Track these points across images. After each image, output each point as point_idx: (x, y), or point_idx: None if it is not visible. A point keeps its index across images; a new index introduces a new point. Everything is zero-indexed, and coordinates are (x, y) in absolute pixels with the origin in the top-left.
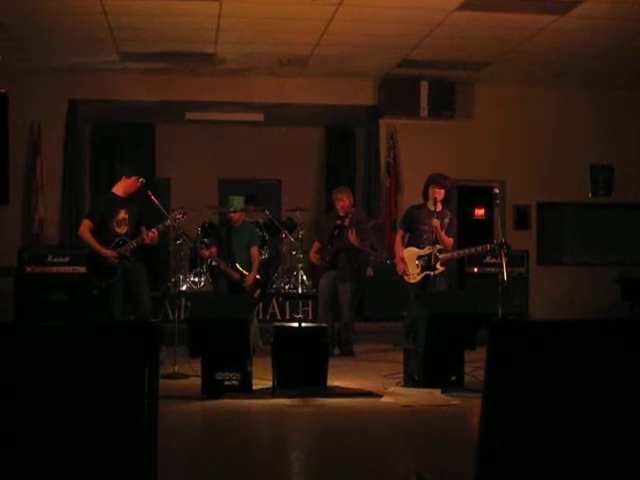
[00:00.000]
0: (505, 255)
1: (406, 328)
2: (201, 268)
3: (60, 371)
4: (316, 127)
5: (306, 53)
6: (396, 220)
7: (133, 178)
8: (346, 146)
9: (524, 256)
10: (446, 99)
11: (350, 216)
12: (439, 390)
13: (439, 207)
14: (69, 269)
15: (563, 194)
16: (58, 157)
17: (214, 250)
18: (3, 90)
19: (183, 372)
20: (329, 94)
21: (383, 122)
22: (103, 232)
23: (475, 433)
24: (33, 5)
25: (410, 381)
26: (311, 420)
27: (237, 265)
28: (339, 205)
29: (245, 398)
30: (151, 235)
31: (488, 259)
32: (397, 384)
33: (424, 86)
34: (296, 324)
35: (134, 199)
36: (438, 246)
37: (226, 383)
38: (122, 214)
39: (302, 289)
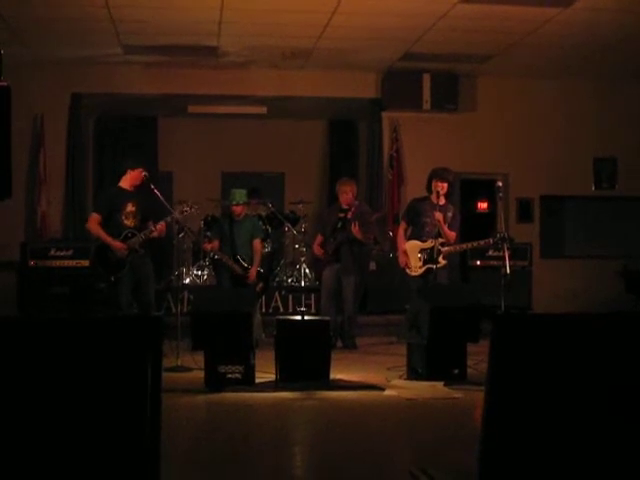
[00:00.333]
0: (507, 249)
1: (409, 321)
2: (204, 261)
3: (63, 364)
4: (319, 120)
5: (309, 46)
6: (399, 213)
7: (137, 170)
8: (349, 139)
9: (527, 249)
10: (449, 92)
11: (353, 209)
12: (442, 383)
13: (442, 200)
14: (72, 263)
15: (566, 187)
16: (61, 150)
17: (216, 244)
18: (6, 83)
19: (186, 365)
20: (332, 87)
21: (386, 115)
22: (111, 225)
23: (478, 426)
24: None
25: (413, 374)
26: (314, 413)
27: (239, 258)
28: (342, 198)
29: (248, 391)
30: (160, 228)
31: (491, 252)
32: (400, 377)
33: (427, 79)
34: (299, 317)
35: (141, 192)
36: (441, 239)
37: (229, 376)
38: (130, 207)
39: (305, 282)
